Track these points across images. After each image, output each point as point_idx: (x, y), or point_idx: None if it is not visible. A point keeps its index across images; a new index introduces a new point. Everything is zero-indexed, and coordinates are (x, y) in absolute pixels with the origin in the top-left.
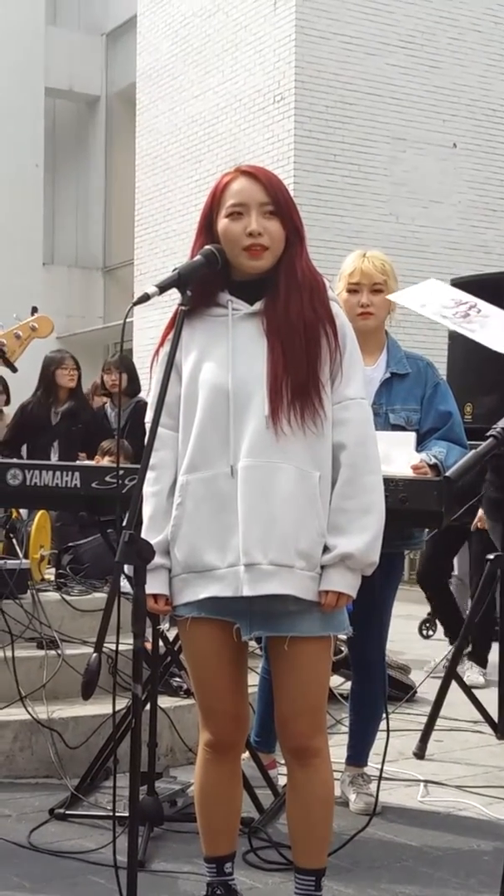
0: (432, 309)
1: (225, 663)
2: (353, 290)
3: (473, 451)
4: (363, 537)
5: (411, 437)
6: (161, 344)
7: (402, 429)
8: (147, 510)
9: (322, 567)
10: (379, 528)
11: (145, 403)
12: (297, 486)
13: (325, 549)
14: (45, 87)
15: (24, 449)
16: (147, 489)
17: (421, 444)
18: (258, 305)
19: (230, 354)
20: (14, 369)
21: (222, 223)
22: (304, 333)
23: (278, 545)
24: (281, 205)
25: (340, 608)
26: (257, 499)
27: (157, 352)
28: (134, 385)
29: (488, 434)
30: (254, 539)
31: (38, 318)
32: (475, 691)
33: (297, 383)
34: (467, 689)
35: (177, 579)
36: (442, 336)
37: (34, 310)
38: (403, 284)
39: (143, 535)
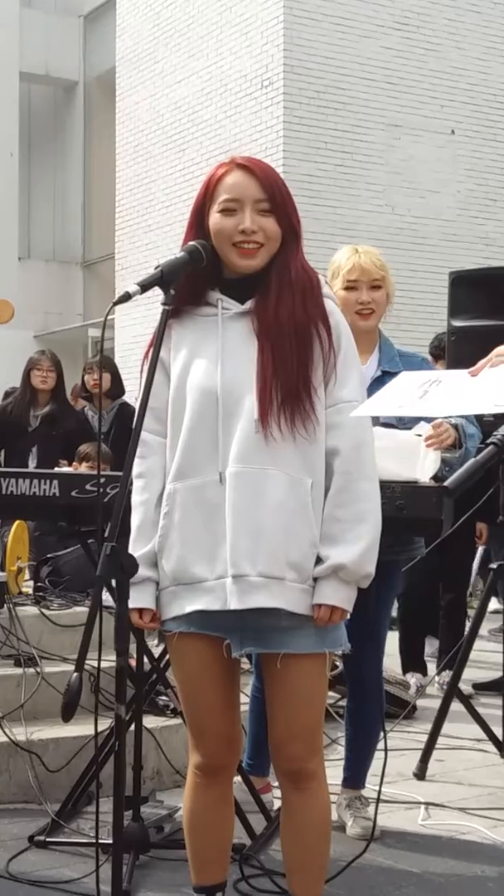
0: (393, 405)
1: (216, 681)
2: (351, 287)
3: (473, 459)
4: (357, 547)
5: (419, 442)
6: (150, 345)
7: (393, 427)
8: (135, 520)
9: (315, 579)
10: (374, 537)
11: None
12: (287, 494)
13: (318, 560)
14: (19, 71)
15: (1, 455)
16: (135, 498)
17: None
18: (249, 305)
19: (219, 356)
20: None
21: (214, 218)
22: (295, 335)
23: (268, 556)
24: (277, 202)
25: (335, 623)
26: (246, 507)
27: (146, 354)
28: (117, 386)
29: (489, 441)
30: (242, 549)
31: None
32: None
33: (287, 387)
34: (470, 706)
35: (165, 592)
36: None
37: None
38: (400, 279)
39: (131, 546)
